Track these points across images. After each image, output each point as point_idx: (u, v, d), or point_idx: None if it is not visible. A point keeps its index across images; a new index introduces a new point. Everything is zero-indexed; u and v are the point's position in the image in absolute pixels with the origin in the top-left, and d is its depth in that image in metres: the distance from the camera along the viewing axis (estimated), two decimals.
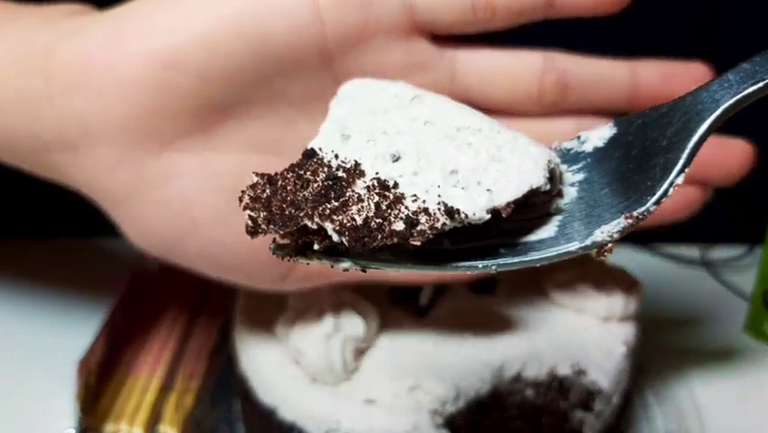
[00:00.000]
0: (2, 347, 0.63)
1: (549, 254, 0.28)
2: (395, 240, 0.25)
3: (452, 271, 0.28)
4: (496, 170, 0.27)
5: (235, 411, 0.54)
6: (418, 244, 0.26)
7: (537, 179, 0.27)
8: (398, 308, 0.51)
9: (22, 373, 0.59)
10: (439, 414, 0.43)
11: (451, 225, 0.26)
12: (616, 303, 0.51)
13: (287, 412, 0.46)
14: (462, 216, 0.26)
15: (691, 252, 0.77)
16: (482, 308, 0.51)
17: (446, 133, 0.29)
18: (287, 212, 0.26)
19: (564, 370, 0.47)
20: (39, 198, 0.83)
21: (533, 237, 0.28)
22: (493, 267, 0.27)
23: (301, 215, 0.26)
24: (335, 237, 0.25)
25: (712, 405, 0.55)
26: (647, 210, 0.27)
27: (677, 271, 0.75)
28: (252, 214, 0.26)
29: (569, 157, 0.31)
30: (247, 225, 0.26)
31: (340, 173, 0.27)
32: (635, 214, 0.27)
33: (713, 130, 0.27)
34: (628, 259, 0.56)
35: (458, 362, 0.46)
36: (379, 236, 0.25)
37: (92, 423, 0.51)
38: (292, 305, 0.48)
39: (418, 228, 0.25)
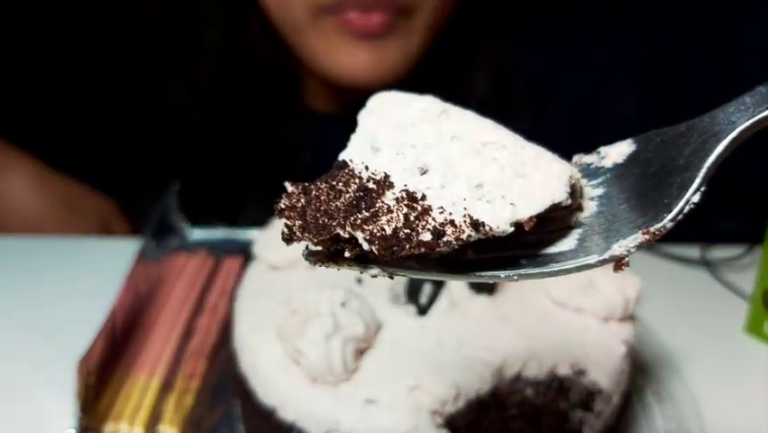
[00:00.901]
0: (2, 347, 0.63)
1: (568, 266, 0.29)
2: (422, 250, 0.27)
3: (475, 280, 0.29)
4: (520, 185, 0.28)
5: (235, 412, 0.54)
6: (445, 251, 0.27)
7: (560, 195, 0.28)
8: (398, 308, 0.51)
9: (23, 373, 0.59)
10: (439, 414, 0.43)
11: (476, 237, 0.27)
12: (615, 303, 0.51)
13: (287, 412, 0.46)
14: (487, 228, 0.27)
15: (691, 252, 0.77)
16: (482, 308, 0.51)
17: (472, 148, 0.30)
18: (320, 221, 0.27)
19: (564, 370, 0.47)
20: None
21: (553, 249, 0.29)
22: (515, 277, 0.29)
23: (334, 224, 0.27)
24: (366, 246, 0.27)
25: (712, 405, 0.55)
26: (664, 227, 0.28)
27: (677, 271, 0.75)
28: (288, 222, 0.27)
29: (589, 172, 0.32)
30: (283, 233, 0.27)
31: (370, 185, 0.28)
32: (651, 230, 0.28)
33: (729, 151, 0.28)
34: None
35: (458, 362, 0.46)
36: (407, 246, 0.27)
37: (92, 423, 0.51)
38: (292, 305, 0.48)
39: (444, 239, 0.27)
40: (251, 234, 0.67)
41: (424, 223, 0.27)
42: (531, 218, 0.28)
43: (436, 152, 0.29)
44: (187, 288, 0.67)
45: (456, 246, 0.27)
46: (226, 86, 0.83)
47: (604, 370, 0.47)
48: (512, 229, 0.27)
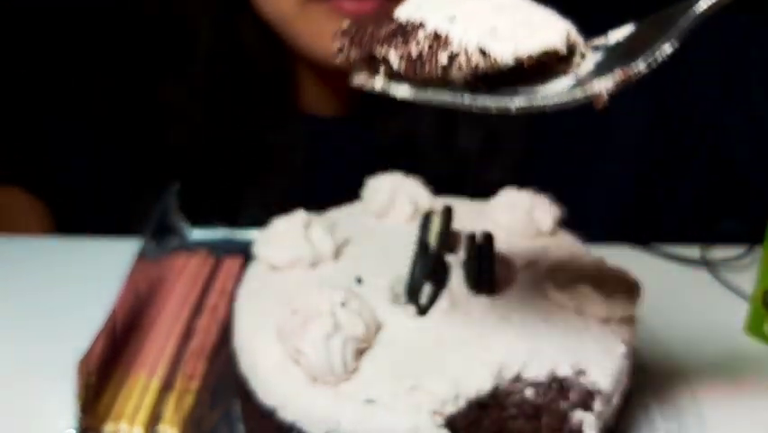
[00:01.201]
0: (2, 347, 0.63)
1: (558, 100, 0.36)
2: (440, 72, 0.35)
3: (481, 103, 0.36)
4: (526, 33, 0.35)
5: (235, 412, 0.54)
6: (460, 78, 0.35)
7: (556, 42, 0.36)
8: (398, 308, 0.51)
9: (22, 373, 0.59)
10: (439, 414, 0.43)
11: (483, 66, 0.34)
12: (616, 303, 0.51)
13: (287, 413, 0.46)
14: (492, 58, 0.34)
15: (691, 252, 0.77)
16: (482, 308, 0.51)
17: (496, 6, 0.37)
18: (364, 43, 0.37)
19: (564, 370, 0.47)
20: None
21: (550, 92, 0.36)
22: (515, 102, 0.36)
23: (374, 43, 0.37)
24: (396, 64, 0.36)
25: (712, 405, 0.55)
26: (637, 68, 0.34)
27: (677, 271, 0.75)
28: (340, 43, 0.38)
29: (594, 48, 0.39)
30: (336, 49, 0.38)
31: (408, 27, 0.37)
32: (626, 69, 0.34)
33: (706, 15, 0.35)
34: (628, 259, 0.56)
35: (458, 362, 0.46)
36: (428, 67, 0.35)
37: (92, 423, 0.51)
38: (292, 305, 0.48)
39: (457, 64, 0.35)
40: (251, 234, 0.67)
41: (444, 51, 0.35)
42: (530, 57, 0.35)
43: (465, 8, 0.37)
44: (187, 288, 0.67)
45: (467, 73, 0.35)
46: (225, 86, 0.83)
47: (604, 370, 0.47)
48: (513, 63, 0.34)
